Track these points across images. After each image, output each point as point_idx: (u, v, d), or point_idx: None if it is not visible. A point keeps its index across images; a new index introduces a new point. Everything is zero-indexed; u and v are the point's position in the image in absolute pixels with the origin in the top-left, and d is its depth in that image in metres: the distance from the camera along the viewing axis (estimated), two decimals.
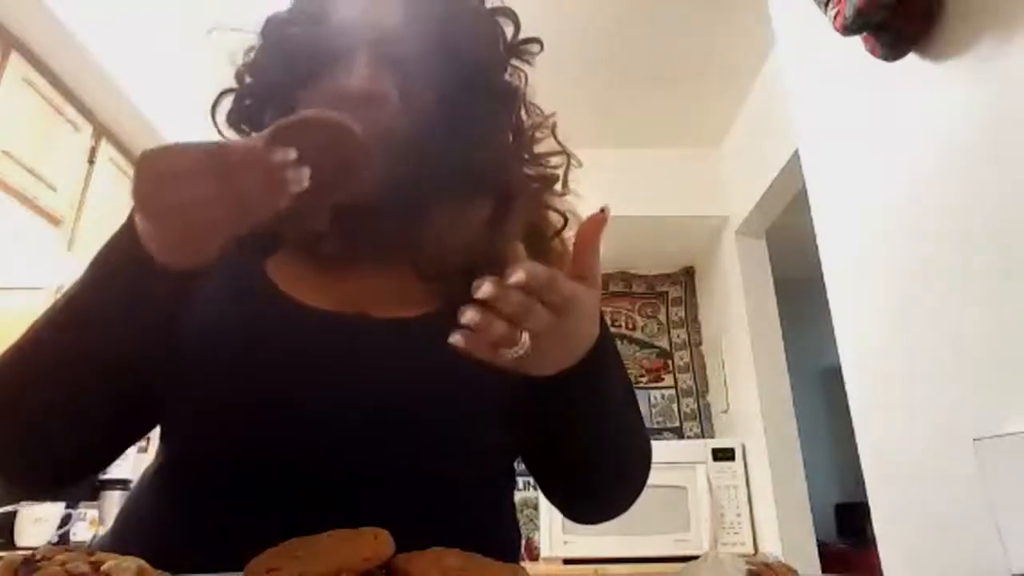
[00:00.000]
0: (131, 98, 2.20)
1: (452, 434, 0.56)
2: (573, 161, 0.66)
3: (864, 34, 1.22)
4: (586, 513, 0.68)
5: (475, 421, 0.58)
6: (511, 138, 0.66)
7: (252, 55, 0.64)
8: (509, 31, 0.65)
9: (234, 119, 0.64)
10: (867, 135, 1.34)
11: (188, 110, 2.59)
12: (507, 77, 0.65)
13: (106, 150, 2.26)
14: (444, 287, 0.60)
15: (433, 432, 0.56)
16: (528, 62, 0.66)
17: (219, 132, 0.64)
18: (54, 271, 1.96)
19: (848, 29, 1.20)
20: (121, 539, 0.58)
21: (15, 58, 1.86)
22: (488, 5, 0.65)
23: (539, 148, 0.66)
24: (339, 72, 0.57)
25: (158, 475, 0.59)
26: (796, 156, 1.77)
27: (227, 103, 0.64)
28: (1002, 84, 0.99)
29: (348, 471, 0.53)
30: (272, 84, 0.62)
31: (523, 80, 0.66)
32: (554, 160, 0.66)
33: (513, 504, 0.68)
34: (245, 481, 0.54)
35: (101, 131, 2.24)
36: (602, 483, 0.63)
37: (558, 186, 0.66)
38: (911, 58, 1.17)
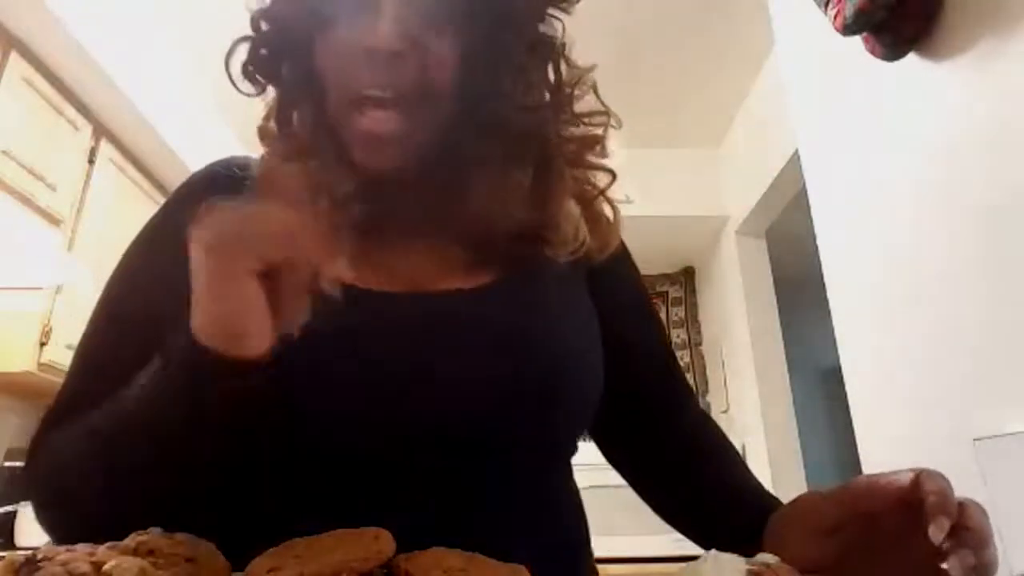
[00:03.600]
0: (131, 98, 2.20)
1: (577, 397, 0.55)
2: (612, 122, 0.60)
3: (864, 34, 1.22)
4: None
5: (588, 383, 0.56)
6: (549, 94, 0.58)
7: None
8: None
9: (249, 71, 0.57)
10: (867, 135, 1.34)
11: (188, 110, 2.59)
12: (543, 28, 0.57)
13: (106, 150, 2.26)
14: (491, 256, 0.57)
15: (562, 398, 0.54)
16: (566, 11, 0.58)
17: (233, 83, 0.57)
18: (54, 271, 1.96)
19: (848, 29, 1.20)
20: None
21: (15, 58, 1.86)
22: None
23: (579, 107, 0.59)
24: (361, 21, 0.50)
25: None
26: (796, 156, 1.77)
27: (242, 52, 0.57)
28: (1001, 84, 0.99)
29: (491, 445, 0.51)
30: (289, 31, 0.55)
31: (561, 31, 0.58)
32: (596, 120, 0.60)
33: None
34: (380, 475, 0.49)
35: (101, 131, 2.24)
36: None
37: (599, 147, 0.61)
38: (911, 58, 1.18)
